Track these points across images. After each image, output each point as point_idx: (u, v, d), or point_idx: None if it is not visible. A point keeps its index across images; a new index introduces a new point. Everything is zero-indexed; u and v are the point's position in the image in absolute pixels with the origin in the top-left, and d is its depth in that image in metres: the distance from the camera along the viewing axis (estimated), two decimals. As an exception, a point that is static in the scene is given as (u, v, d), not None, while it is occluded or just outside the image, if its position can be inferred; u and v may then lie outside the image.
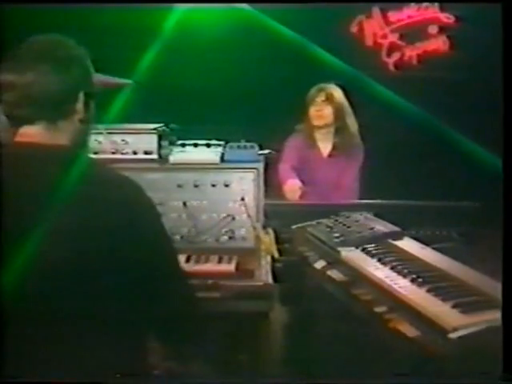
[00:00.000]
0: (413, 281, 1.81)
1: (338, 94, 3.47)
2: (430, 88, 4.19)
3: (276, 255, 2.30)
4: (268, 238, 2.36)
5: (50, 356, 1.41)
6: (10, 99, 1.43)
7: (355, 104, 3.66)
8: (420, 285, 1.78)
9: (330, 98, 3.43)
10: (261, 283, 2.10)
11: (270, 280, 2.12)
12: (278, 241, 2.39)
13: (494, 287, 1.73)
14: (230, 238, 2.35)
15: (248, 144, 2.50)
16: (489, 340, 1.53)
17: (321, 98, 3.44)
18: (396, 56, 4.66)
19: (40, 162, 1.40)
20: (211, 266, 2.21)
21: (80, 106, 1.49)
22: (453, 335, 1.50)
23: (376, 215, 2.51)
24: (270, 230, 2.43)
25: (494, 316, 1.59)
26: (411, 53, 4.63)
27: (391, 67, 4.64)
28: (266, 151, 2.51)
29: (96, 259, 1.38)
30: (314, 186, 3.31)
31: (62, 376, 1.41)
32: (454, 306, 1.62)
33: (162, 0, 3.69)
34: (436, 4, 4.56)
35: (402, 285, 1.81)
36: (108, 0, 3.26)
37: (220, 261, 2.24)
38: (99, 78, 1.60)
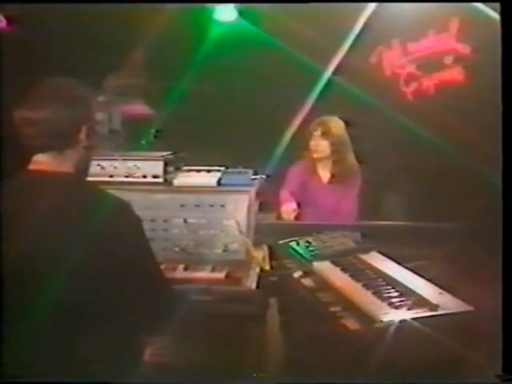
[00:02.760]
0: (364, 285, 2.13)
1: (336, 127, 3.61)
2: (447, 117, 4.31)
3: (267, 268, 2.63)
4: (261, 253, 2.69)
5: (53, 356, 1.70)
6: (27, 132, 1.71)
7: (366, 133, 3.88)
8: (368, 288, 2.10)
9: (326, 132, 3.58)
10: (245, 289, 2.44)
11: (254, 286, 2.46)
12: (272, 256, 2.73)
13: (434, 293, 2.04)
14: (224, 250, 2.67)
15: (242, 170, 2.85)
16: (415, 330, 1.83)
17: (317, 132, 3.61)
18: (414, 86, 4.87)
19: (47, 186, 1.74)
20: (205, 274, 2.54)
21: (83, 136, 1.78)
22: (378, 325, 1.81)
23: (363, 235, 2.79)
24: (265, 246, 2.76)
25: (420, 313, 1.89)
26: (428, 83, 4.77)
27: (410, 97, 4.79)
28: (258, 176, 2.84)
29: (90, 265, 1.68)
30: (316, 210, 3.57)
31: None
32: (389, 304, 1.93)
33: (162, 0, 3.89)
34: (452, 34, 4.74)
35: (353, 288, 2.12)
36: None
37: (213, 270, 2.58)
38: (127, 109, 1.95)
